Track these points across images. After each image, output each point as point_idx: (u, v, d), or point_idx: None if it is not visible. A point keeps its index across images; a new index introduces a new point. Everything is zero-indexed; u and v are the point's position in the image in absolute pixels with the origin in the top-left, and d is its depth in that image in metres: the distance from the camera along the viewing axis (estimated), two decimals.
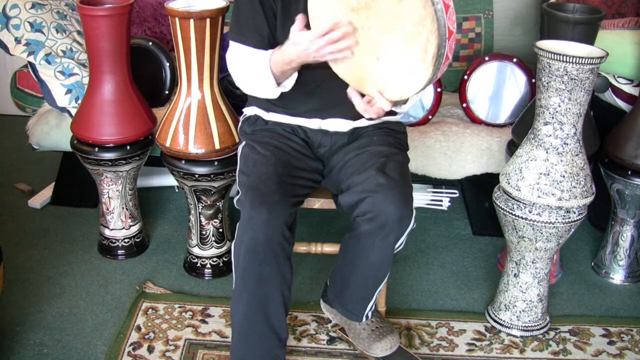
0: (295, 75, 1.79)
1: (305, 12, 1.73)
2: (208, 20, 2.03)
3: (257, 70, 1.78)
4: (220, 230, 2.37)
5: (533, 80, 2.49)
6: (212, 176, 2.21)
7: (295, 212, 1.81)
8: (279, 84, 1.80)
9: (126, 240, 2.49)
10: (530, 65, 2.52)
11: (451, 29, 1.52)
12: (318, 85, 1.82)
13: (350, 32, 1.61)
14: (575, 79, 1.85)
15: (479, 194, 2.81)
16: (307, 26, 1.67)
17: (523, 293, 2.15)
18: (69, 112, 2.49)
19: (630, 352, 2.12)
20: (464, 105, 2.57)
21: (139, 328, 2.13)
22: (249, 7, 1.79)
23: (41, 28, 2.45)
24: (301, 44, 1.65)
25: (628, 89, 2.46)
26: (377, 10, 1.56)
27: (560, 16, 2.13)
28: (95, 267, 2.44)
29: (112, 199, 2.42)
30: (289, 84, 1.81)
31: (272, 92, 1.82)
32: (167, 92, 2.62)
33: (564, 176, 1.95)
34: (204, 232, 2.35)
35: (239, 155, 1.96)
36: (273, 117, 1.94)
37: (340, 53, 1.63)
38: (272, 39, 1.81)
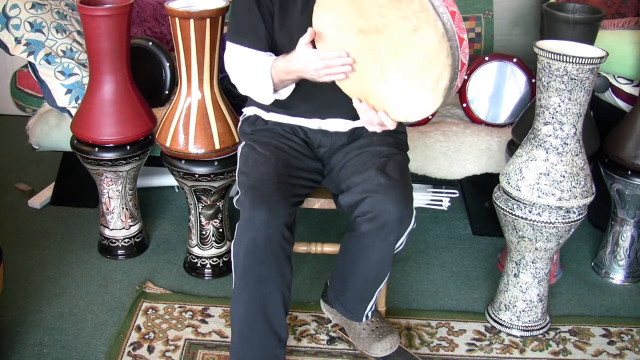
0: (292, 86, 1.81)
1: (302, 12, 1.73)
2: (208, 20, 2.03)
3: (255, 74, 1.79)
4: (220, 230, 2.37)
5: (533, 80, 2.49)
6: (212, 176, 2.21)
7: (295, 212, 1.81)
8: (275, 91, 1.80)
9: (126, 240, 2.49)
10: (530, 65, 2.52)
11: (464, 62, 1.50)
12: (318, 86, 1.82)
13: (350, 63, 1.64)
14: (575, 79, 1.85)
15: (479, 194, 2.81)
16: (313, 42, 1.69)
17: (523, 293, 2.15)
18: (69, 112, 2.49)
19: (630, 352, 2.12)
20: (464, 105, 2.57)
21: (139, 328, 2.13)
22: (245, 7, 1.80)
23: (41, 28, 2.45)
24: (303, 59, 1.68)
25: (628, 89, 2.45)
26: (387, 36, 1.54)
27: (560, 16, 2.13)
28: (95, 267, 2.44)
29: (112, 199, 2.42)
30: (285, 92, 1.82)
31: (267, 98, 1.83)
32: (167, 92, 2.62)
33: (564, 176, 1.95)
34: (204, 232, 2.35)
35: (238, 155, 1.96)
36: (273, 117, 1.94)
37: (335, 76, 1.69)
38: (269, 39, 1.81)
